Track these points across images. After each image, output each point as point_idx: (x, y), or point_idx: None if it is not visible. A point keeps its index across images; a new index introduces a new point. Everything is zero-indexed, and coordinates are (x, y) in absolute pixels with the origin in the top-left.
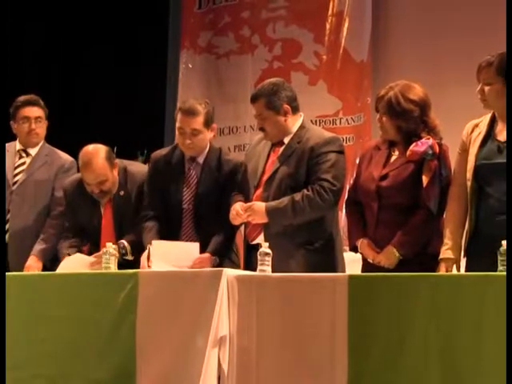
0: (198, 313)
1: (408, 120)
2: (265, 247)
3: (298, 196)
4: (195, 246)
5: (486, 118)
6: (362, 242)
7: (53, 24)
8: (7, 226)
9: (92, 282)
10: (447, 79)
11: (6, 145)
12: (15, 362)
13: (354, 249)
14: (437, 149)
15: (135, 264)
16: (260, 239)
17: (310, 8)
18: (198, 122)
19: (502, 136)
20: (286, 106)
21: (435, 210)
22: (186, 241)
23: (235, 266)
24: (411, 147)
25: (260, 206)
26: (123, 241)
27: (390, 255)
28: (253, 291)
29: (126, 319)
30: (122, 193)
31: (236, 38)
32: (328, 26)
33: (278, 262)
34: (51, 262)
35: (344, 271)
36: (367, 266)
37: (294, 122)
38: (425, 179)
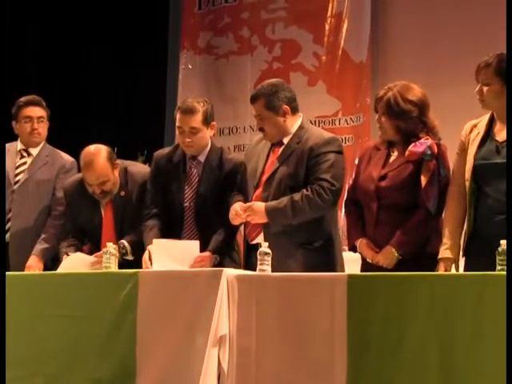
0: (197, 312)
1: (407, 120)
2: (264, 247)
3: (297, 196)
4: (195, 244)
5: (485, 119)
6: (361, 242)
7: (53, 24)
8: (8, 226)
9: (92, 282)
10: (445, 80)
11: (8, 145)
12: (16, 360)
13: (353, 248)
14: (435, 149)
15: (135, 264)
16: (260, 239)
17: (309, 9)
18: (197, 120)
19: (500, 136)
20: (286, 107)
21: (434, 210)
22: (188, 239)
23: (236, 264)
24: (410, 147)
25: (259, 205)
26: (123, 241)
27: (388, 255)
28: (252, 291)
29: (126, 319)
30: (122, 193)
31: (235, 39)
32: (327, 27)
33: (278, 261)
34: (52, 261)
35: (343, 271)
36: (366, 265)
37: (294, 123)
38: (423, 179)
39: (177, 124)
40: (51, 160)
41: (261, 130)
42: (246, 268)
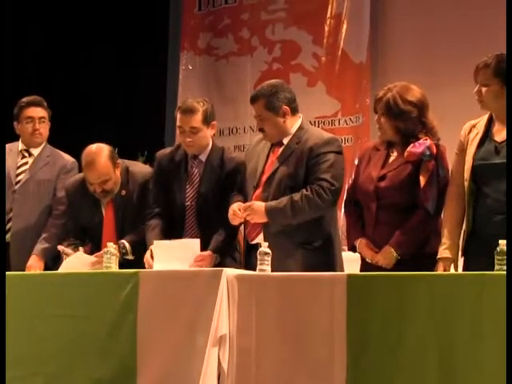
0: (198, 312)
1: (406, 121)
2: (264, 247)
3: (297, 196)
4: (196, 243)
5: (484, 119)
6: (360, 242)
7: (53, 24)
8: (9, 225)
9: (93, 282)
10: (445, 80)
11: (9, 145)
12: (16, 360)
13: (353, 248)
14: (434, 149)
15: (136, 264)
16: (259, 239)
17: (308, 10)
18: (197, 119)
19: (499, 136)
20: (285, 107)
21: (433, 210)
22: (189, 238)
23: (237, 264)
24: (409, 148)
25: (259, 205)
26: (123, 241)
27: (388, 255)
28: (252, 290)
29: (126, 318)
30: (123, 193)
31: (235, 40)
32: (327, 28)
33: (278, 261)
34: (53, 261)
35: (343, 270)
36: (366, 265)
37: (293, 123)
38: (422, 180)
39: (177, 124)
40: (52, 160)
41: (261, 130)
42: (246, 268)
